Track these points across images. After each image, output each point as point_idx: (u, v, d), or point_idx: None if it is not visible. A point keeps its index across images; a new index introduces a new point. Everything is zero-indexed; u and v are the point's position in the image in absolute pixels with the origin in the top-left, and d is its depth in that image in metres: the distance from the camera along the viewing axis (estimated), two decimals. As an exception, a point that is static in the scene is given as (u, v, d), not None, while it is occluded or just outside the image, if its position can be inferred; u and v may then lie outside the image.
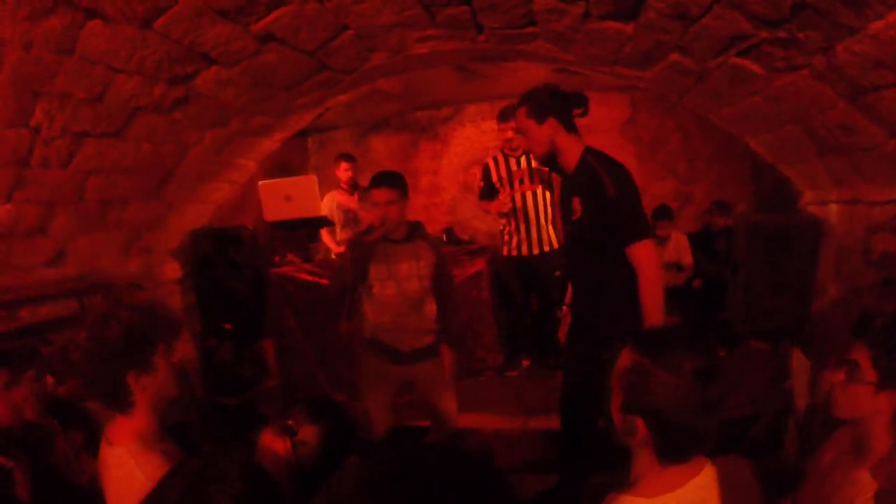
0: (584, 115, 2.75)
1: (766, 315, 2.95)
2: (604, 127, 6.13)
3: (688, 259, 5.15)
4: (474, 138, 6.51)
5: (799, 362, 2.79)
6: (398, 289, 2.92)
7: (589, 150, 2.57)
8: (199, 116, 2.89)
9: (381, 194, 2.83)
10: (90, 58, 2.12)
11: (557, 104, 2.58)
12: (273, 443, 1.76)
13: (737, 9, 1.84)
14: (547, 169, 3.80)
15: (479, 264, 4.74)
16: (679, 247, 5.17)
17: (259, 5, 2.16)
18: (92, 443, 1.76)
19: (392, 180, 2.89)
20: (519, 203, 4.45)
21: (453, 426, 3.15)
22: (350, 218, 5.07)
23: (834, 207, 2.77)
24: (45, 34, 1.91)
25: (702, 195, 5.97)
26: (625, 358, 1.28)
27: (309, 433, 1.81)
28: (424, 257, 2.96)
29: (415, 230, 3.00)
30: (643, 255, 2.39)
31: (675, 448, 1.23)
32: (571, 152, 2.55)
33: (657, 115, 5.99)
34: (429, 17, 2.52)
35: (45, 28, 1.89)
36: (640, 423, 1.23)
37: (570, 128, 2.58)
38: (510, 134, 4.34)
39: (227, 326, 3.68)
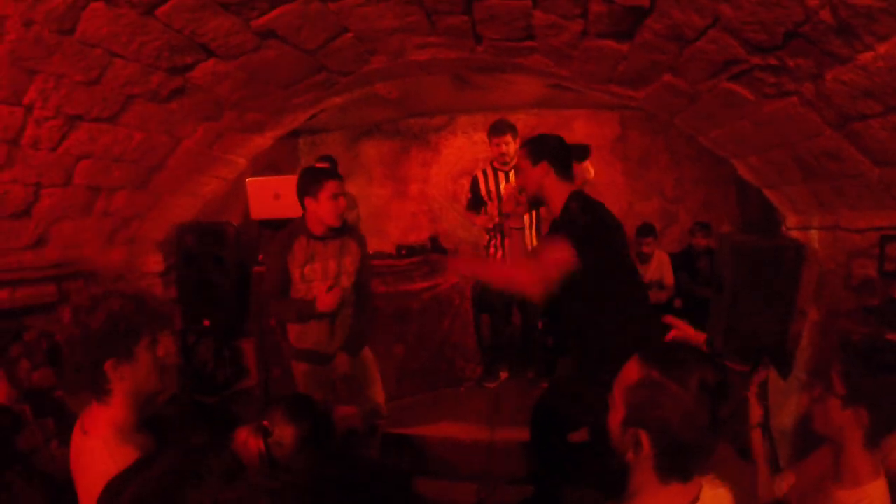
0: (580, 162, 2.76)
1: (747, 336, 2.99)
2: (595, 143, 6.19)
3: (669, 278, 5.21)
4: (465, 148, 6.54)
5: (774, 383, 2.84)
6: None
7: (573, 195, 2.60)
8: (193, 108, 2.88)
9: None
10: (90, 40, 2.11)
11: (555, 150, 2.62)
12: (247, 442, 1.74)
13: (731, 34, 1.88)
14: None
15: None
16: (661, 266, 5.23)
17: (263, 1, 2.17)
18: (64, 431, 1.73)
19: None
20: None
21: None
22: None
23: (816, 233, 2.83)
24: (46, 12, 1.90)
25: (687, 216, 6.05)
26: (632, 372, 1.25)
27: (286, 434, 1.80)
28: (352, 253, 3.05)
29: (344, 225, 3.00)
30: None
31: (677, 464, 1.20)
32: (558, 198, 2.59)
33: (647, 134, 6.07)
34: (430, 25, 2.55)
35: (47, 6, 1.88)
36: (644, 438, 1.21)
37: (563, 175, 2.61)
38: (502, 148, 4.37)
39: (206, 323, 3.63)
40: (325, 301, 2.88)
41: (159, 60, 2.38)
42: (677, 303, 5.12)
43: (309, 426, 1.80)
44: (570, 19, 2.29)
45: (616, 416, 1.27)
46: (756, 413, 1.96)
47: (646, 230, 5.18)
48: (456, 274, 3.23)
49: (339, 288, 2.97)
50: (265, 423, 1.76)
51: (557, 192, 2.58)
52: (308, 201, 2.88)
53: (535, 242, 4.39)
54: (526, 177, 2.64)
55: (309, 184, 2.88)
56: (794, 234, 2.97)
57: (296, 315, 2.97)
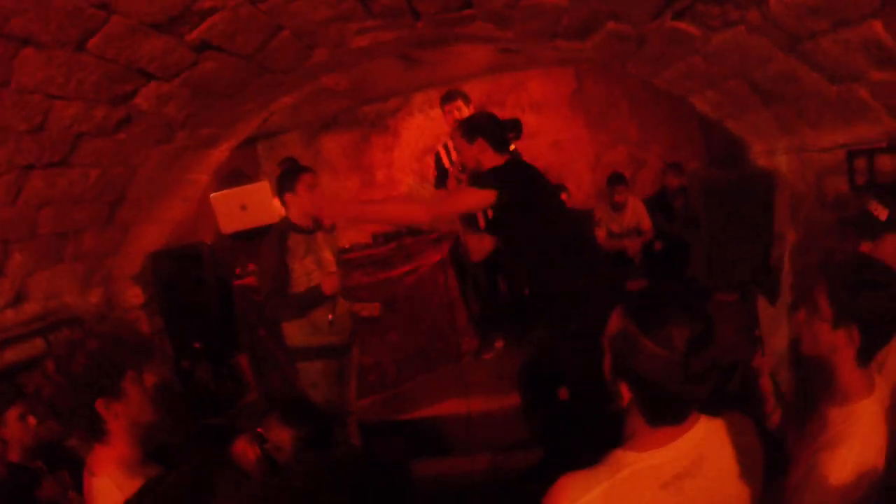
0: (516, 138, 3.09)
1: (730, 267, 3.03)
2: (552, 101, 6.18)
3: (646, 223, 5.24)
4: (425, 126, 6.50)
5: (764, 309, 2.88)
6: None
7: (507, 164, 2.79)
8: (143, 135, 2.83)
9: None
10: (27, 87, 2.06)
11: (488, 127, 2.82)
12: (245, 451, 1.76)
13: (667, -30, 1.87)
14: None
15: (443, 251, 4.75)
16: (637, 212, 5.26)
17: (192, 15, 2.11)
18: (79, 480, 1.74)
19: None
20: None
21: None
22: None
23: (784, 157, 2.84)
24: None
25: (655, 159, 6.08)
26: (614, 322, 1.26)
27: (284, 438, 1.81)
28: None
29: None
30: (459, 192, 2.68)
31: (661, 413, 1.23)
32: None
33: (603, 84, 6.06)
34: (365, 9, 2.50)
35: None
36: (624, 388, 1.23)
37: (500, 148, 2.81)
38: (455, 114, 4.32)
39: (197, 346, 3.61)
40: (329, 283, 3.00)
41: (100, 93, 2.32)
42: (657, 245, 5.17)
43: (306, 428, 1.81)
44: (506, -19, 2.26)
45: (606, 363, 1.29)
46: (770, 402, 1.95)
47: (615, 178, 5.20)
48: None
49: (339, 272, 3.14)
50: (259, 430, 1.77)
51: (494, 165, 2.76)
52: (288, 197, 3.08)
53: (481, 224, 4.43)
54: (464, 154, 2.88)
55: (285, 181, 3.09)
56: (762, 160, 2.99)
57: (298, 308, 3.04)
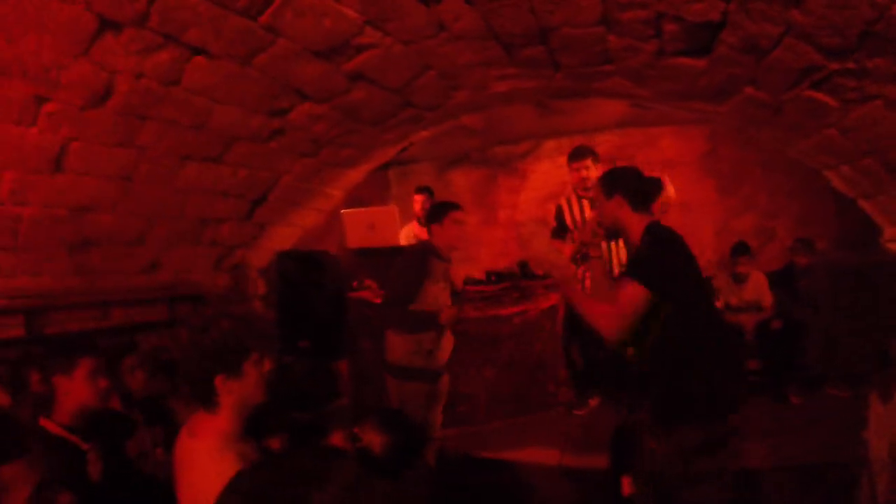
0: (654, 200, 2.78)
1: (845, 358, 2.84)
2: (683, 160, 6.05)
3: (767, 300, 4.94)
4: (551, 173, 6.56)
5: (876, 410, 2.65)
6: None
7: (648, 228, 2.56)
8: (291, 147, 3.13)
9: None
10: (194, 89, 2.37)
11: (629, 183, 2.62)
12: (336, 445, 1.86)
13: (805, 40, 1.87)
14: None
15: (554, 298, 4.76)
16: (758, 286, 4.98)
17: (350, 48, 2.36)
18: (170, 439, 1.89)
19: None
20: None
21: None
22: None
23: (916, 245, 2.67)
24: (154, 66, 2.16)
25: (784, 232, 5.76)
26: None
27: (376, 441, 1.90)
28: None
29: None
30: (626, 292, 2.36)
31: None
32: (634, 229, 2.59)
33: (738, 147, 5.85)
34: (508, 57, 2.65)
35: (154, 61, 2.14)
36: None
37: (639, 207, 2.59)
38: (582, 173, 4.35)
39: (303, 344, 3.84)
40: (448, 315, 3.20)
41: (259, 105, 2.62)
42: (776, 324, 4.86)
43: (398, 437, 1.89)
44: (645, 40, 2.33)
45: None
46: None
47: (740, 249, 4.97)
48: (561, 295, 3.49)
49: (457, 307, 3.31)
50: (356, 429, 1.87)
51: (633, 224, 2.56)
52: (435, 228, 3.32)
53: (615, 271, 4.34)
54: (602, 209, 2.68)
55: (436, 213, 3.35)
56: (893, 246, 2.80)
57: (412, 323, 3.20)
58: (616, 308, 2.36)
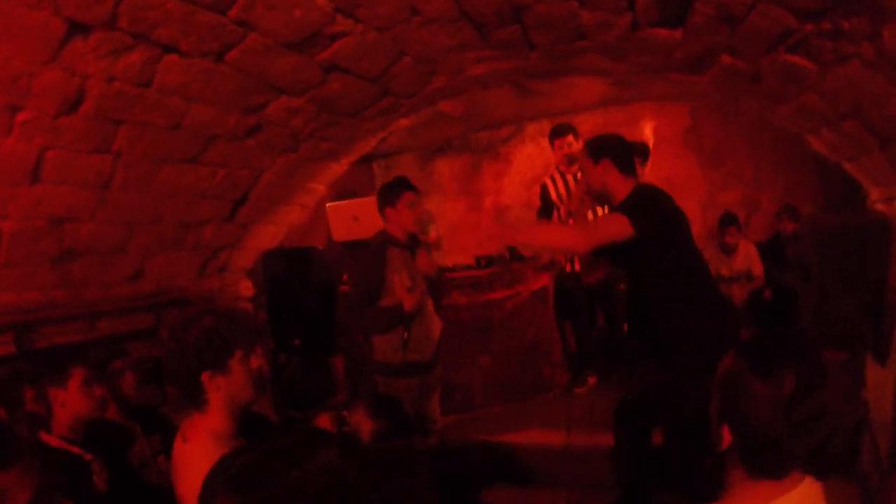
0: (643, 164, 2.82)
1: (839, 322, 2.85)
2: (664, 138, 6.06)
3: (758, 269, 4.98)
4: (535, 156, 6.56)
5: (873, 370, 2.67)
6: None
7: (639, 186, 2.67)
8: (270, 143, 3.09)
9: None
10: (167, 89, 2.32)
11: (615, 147, 2.71)
12: (324, 427, 1.83)
13: (779, 3, 1.86)
14: None
15: (545, 279, 4.76)
16: (748, 256, 5.02)
17: (323, 37, 2.32)
18: (169, 446, 1.88)
19: None
20: None
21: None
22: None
23: (900, 204, 2.67)
24: (125, 68, 2.12)
25: (770, 203, 5.79)
26: (727, 362, 1.23)
27: (363, 427, 1.85)
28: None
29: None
30: (604, 217, 2.53)
31: (761, 463, 1.16)
32: (622, 192, 2.65)
33: (719, 122, 5.87)
34: (482, 39, 2.63)
35: (125, 63, 2.09)
36: (726, 431, 1.19)
37: (626, 170, 2.68)
38: (565, 149, 4.36)
39: (297, 342, 3.83)
40: (411, 301, 3.06)
41: (234, 102, 2.58)
42: (767, 294, 4.90)
43: (385, 425, 1.85)
44: (618, 13, 2.31)
45: (713, 404, 1.25)
46: None
47: (727, 220, 4.99)
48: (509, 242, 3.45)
49: (420, 290, 3.17)
50: (345, 412, 1.84)
51: (621, 188, 2.64)
52: (388, 211, 3.17)
53: None
54: (589, 175, 2.74)
55: (388, 195, 3.19)
56: (879, 206, 2.81)
57: (386, 322, 3.12)
58: (587, 228, 2.46)
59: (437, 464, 2.70)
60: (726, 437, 1.19)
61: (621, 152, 2.69)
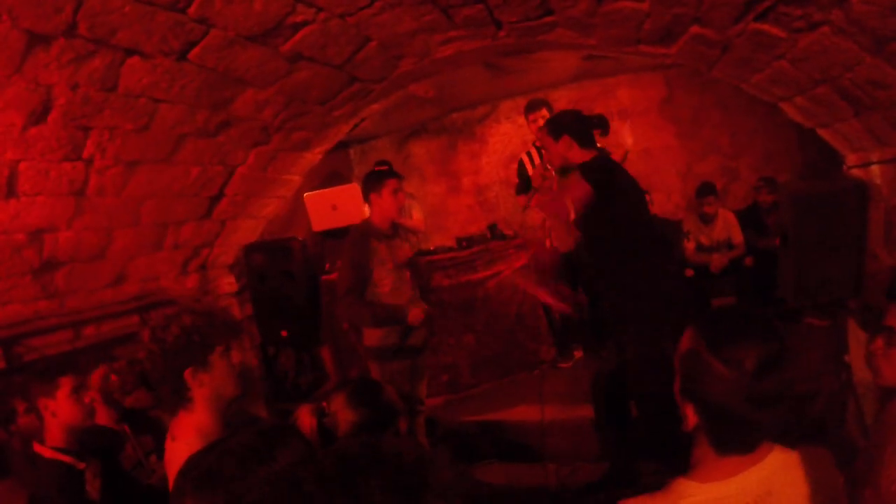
0: (603, 135, 3.05)
1: (818, 286, 2.88)
2: (640, 108, 6.06)
3: (738, 237, 5.03)
4: (511, 134, 6.55)
5: (855, 335, 2.71)
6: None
7: (595, 158, 2.80)
8: (241, 137, 3.05)
9: None
10: (133, 92, 2.29)
11: (573, 123, 2.86)
12: (303, 419, 1.80)
13: (746, -30, 1.84)
14: None
15: (526, 257, 4.78)
16: (728, 224, 5.06)
17: (285, 28, 2.28)
18: (161, 447, 1.91)
19: None
20: None
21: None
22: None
23: (877, 168, 2.68)
24: (89, 74, 2.08)
25: (748, 171, 5.83)
26: (685, 340, 1.21)
27: (342, 418, 1.79)
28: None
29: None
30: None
31: (727, 440, 1.16)
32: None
33: (695, 91, 5.88)
34: (448, 20, 2.60)
35: (88, 69, 2.06)
36: (690, 411, 1.17)
37: (586, 144, 2.82)
38: (539, 123, 4.35)
39: (283, 334, 3.82)
40: (415, 315, 3.12)
41: (201, 99, 2.54)
42: (748, 261, 4.94)
43: (365, 414, 1.80)
44: (585, -13, 2.29)
45: (675, 383, 1.23)
46: None
47: (705, 189, 5.02)
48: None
49: (427, 308, 3.23)
50: (324, 403, 1.83)
51: (582, 160, 2.79)
52: (373, 197, 3.23)
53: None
54: (551, 152, 2.93)
55: (372, 183, 3.26)
56: (856, 172, 2.82)
57: (372, 319, 3.16)
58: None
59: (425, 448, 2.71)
60: (691, 416, 1.18)
61: (580, 127, 2.83)
